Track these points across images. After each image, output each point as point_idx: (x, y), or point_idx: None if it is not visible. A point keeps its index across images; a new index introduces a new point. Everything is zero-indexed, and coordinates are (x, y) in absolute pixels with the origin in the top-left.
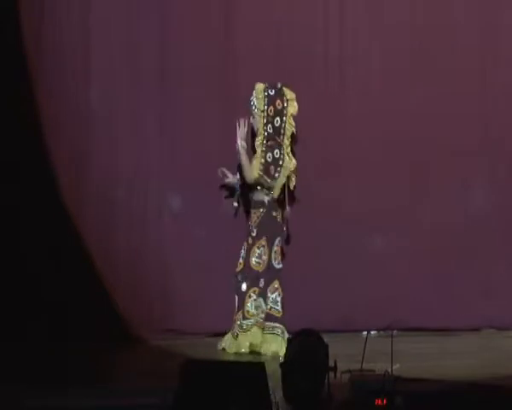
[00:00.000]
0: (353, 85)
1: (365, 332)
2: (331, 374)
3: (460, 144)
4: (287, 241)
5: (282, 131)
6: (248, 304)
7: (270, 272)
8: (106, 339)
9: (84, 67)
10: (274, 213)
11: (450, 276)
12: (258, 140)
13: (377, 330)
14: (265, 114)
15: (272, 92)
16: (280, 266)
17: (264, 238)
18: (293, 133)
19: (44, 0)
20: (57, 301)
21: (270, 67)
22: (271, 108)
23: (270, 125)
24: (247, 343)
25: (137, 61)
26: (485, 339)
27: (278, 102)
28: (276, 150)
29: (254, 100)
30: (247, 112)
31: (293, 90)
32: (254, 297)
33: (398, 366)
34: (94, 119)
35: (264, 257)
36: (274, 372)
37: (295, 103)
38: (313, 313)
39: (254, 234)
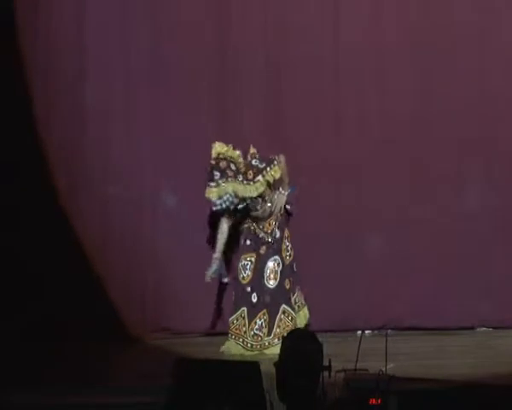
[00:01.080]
0: (352, 85)
1: (359, 332)
2: (325, 373)
3: (460, 144)
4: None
5: (239, 166)
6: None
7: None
8: (104, 339)
9: (79, 66)
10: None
11: (449, 275)
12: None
13: (372, 329)
14: (240, 180)
15: (218, 176)
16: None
17: (286, 230)
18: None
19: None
20: (57, 301)
21: (268, 68)
22: (233, 174)
23: (240, 176)
24: None
25: (133, 60)
26: (481, 338)
27: (229, 166)
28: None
29: (227, 198)
30: None
31: (292, 89)
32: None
33: (392, 365)
34: (89, 117)
35: (290, 245)
36: (268, 372)
37: (231, 150)
38: (312, 313)
39: (278, 235)
